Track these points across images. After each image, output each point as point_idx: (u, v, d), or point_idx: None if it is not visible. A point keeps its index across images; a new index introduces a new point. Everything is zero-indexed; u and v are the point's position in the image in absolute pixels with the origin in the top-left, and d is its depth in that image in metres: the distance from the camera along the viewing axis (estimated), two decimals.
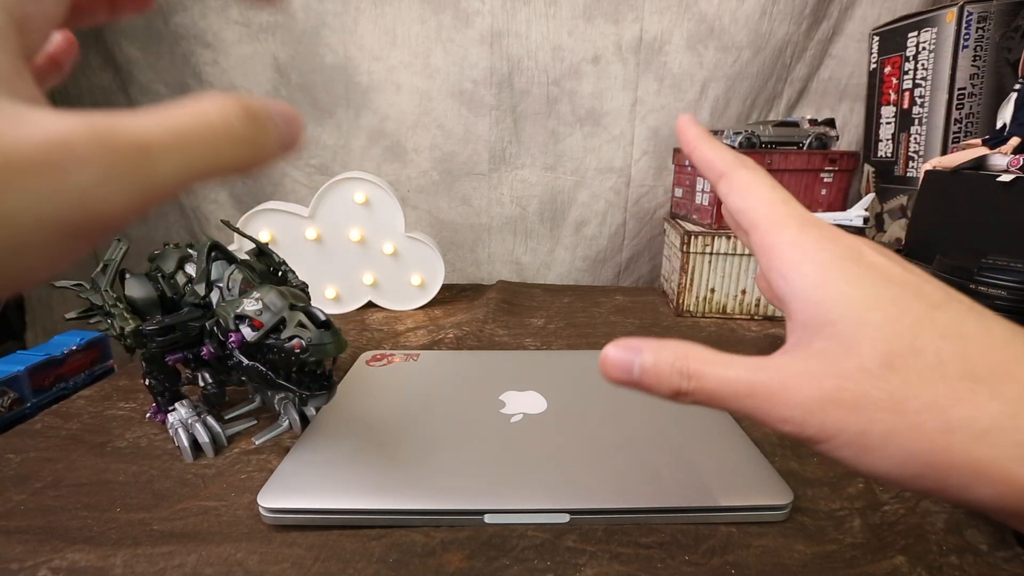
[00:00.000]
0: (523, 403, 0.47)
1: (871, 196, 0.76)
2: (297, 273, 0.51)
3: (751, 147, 0.74)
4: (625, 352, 0.20)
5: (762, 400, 0.18)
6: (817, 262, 0.19)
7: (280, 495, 0.35)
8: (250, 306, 0.40)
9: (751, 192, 0.21)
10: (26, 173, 0.11)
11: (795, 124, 0.76)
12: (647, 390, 0.19)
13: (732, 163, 0.22)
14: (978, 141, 0.61)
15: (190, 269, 0.45)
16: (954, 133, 0.70)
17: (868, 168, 0.84)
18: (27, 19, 0.15)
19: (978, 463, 0.16)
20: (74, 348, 0.56)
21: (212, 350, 0.42)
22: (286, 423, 0.46)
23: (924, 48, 0.71)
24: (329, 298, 0.76)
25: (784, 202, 0.20)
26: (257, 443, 0.44)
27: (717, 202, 0.74)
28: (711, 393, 0.19)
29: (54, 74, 0.21)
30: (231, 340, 0.40)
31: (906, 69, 0.75)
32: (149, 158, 0.13)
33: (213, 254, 0.45)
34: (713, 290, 0.75)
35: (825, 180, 0.76)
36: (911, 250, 0.64)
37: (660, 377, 0.19)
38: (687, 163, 0.82)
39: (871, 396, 0.17)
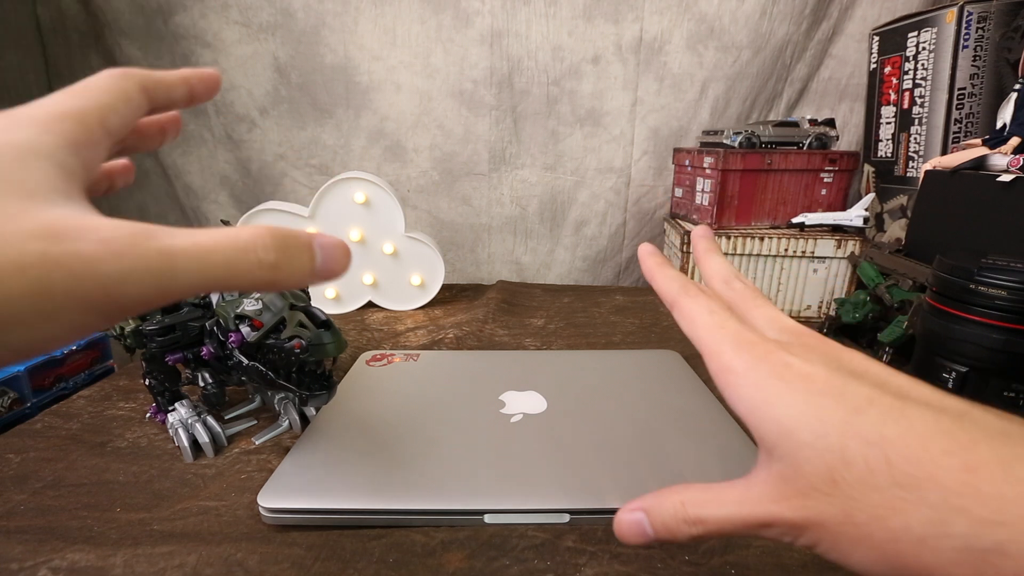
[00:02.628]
0: (523, 403, 0.47)
1: (871, 196, 0.76)
2: None
3: (751, 147, 0.74)
4: (631, 515, 0.22)
5: (756, 528, 0.20)
6: (749, 384, 0.21)
7: (280, 495, 0.35)
8: (250, 306, 0.40)
9: (693, 321, 0.23)
10: (72, 259, 0.14)
11: (795, 124, 0.76)
12: (669, 541, 0.22)
13: (677, 292, 0.24)
14: (978, 141, 0.61)
15: None
16: (954, 133, 0.70)
17: (868, 168, 0.84)
18: (90, 162, 0.18)
19: (929, 568, 0.17)
20: (74, 348, 0.56)
21: (212, 350, 0.42)
22: (286, 423, 0.46)
23: (924, 48, 0.71)
24: (329, 298, 0.76)
25: (720, 326, 0.22)
26: (257, 443, 0.44)
27: (717, 202, 0.74)
28: (718, 530, 0.21)
29: (105, 184, 0.25)
30: (231, 340, 0.40)
31: (906, 69, 0.75)
32: (172, 266, 0.15)
33: None
34: None
35: (825, 180, 0.76)
36: (911, 250, 0.64)
37: (672, 531, 0.21)
38: (687, 163, 0.82)
39: (829, 513, 0.18)
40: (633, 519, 0.22)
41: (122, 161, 0.25)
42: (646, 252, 0.27)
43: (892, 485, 0.17)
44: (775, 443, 0.20)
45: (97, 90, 0.19)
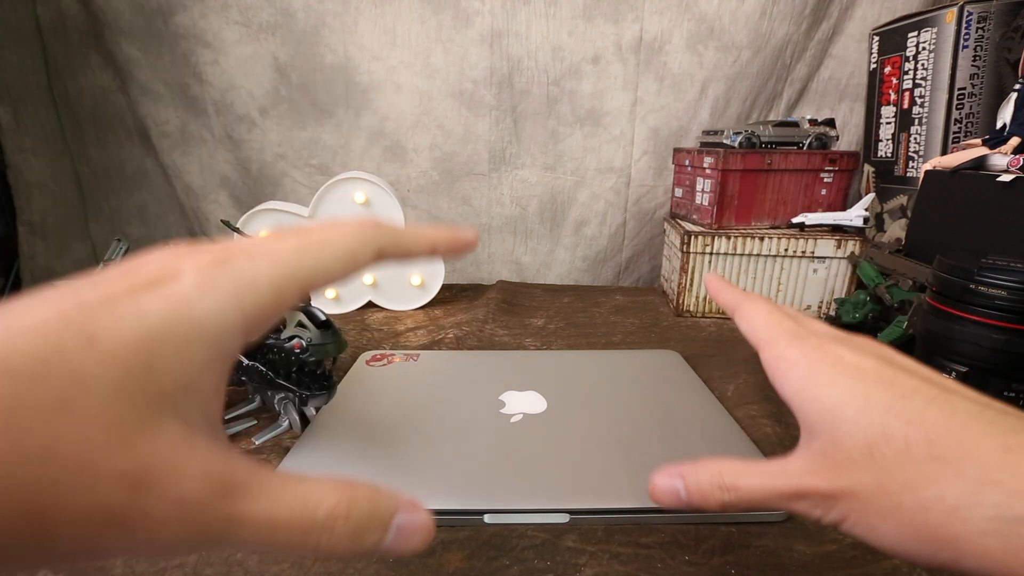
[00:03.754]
0: (523, 403, 0.47)
1: (871, 196, 0.76)
2: None
3: (751, 147, 0.74)
4: (670, 478, 0.23)
5: (789, 499, 0.21)
6: (801, 369, 0.22)
7: None
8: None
9: (753, 319, 0.26)
10: (144, 518, 0.13)
11: (795, 124, 0.76)
12: (698, 508, 0.23)
13: (741, 298, 0.27)
14: (978, 141, 0.61)
15: None
16: (954, 133, 0.70)
17: (868, 168, 0.84)
18: (267, 315, 0.16)
19: (956, 538, 0.17)
20: None
21: None
22: (286, 423, 0.46)
23: (924, 48, 0.71)
24: (329, 298, 0.76)
25: (779, 323, 0.25)
26: (257, 443, 0.44)
27: (717, 202, 0.74)
28: (750, 500, 0.22)
29: None
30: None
31: (906, 69, 0.75)
32: (232, 532, 0.14)
33: None
34: None
35: (825, 180, 0.76)
36: (911, 250, 0.64)
37: (705, 495, 0.22)
38: (687, 163, 0.82)
39: (863, 482, 0.19)
40: (669, 483, 0.23)
41: None
42: (712, 277, 0.30)
43: (929, 459, 0.18)
44: (818, 420, 0.21)
45: (324, 245, 0.18)
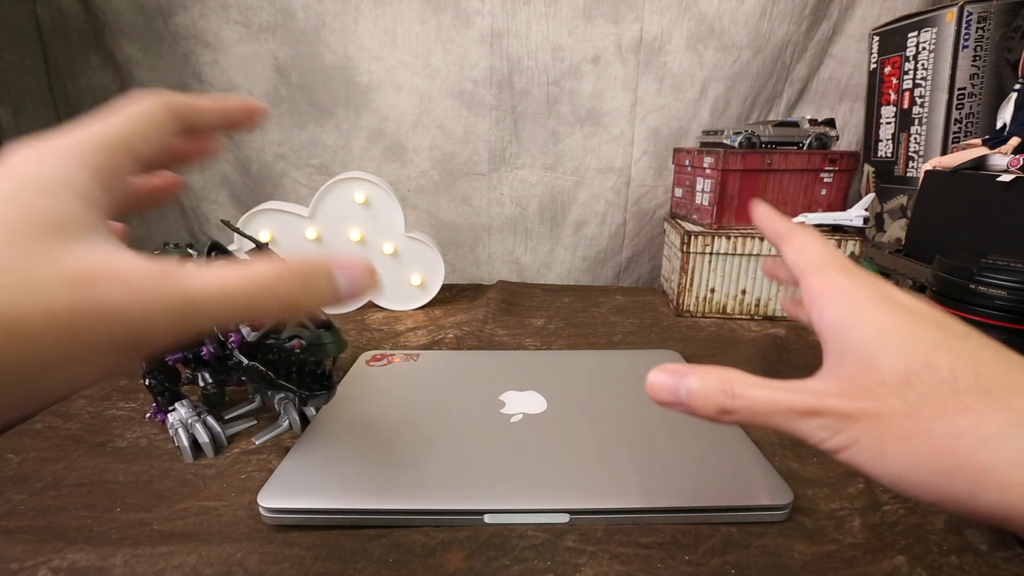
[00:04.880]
0: (523, 403, 0.47)
1: (871, 196, 0.76)
2: None
3: (751, 147, 0.74)
4: (671, 376, 0.22)
5: (798, 415, 0.20)
6: (849, 297, 0.22)
7: (280, 495, 0.35)
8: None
9: (805, 247, 0.25)
10: (99, 306, 0.15)
11: (795, 124, 0.76)
12: (693, 409, 0.21)
13: (791, 227, 0.26)
14: (978, 141, 0.61)
15: None
16: (954, 133, 0.70)
17: (868, 168, 0.84)
18: (117, 189, 0.19)
19: (983, 468, 0.17)
20: None
21: (212, 350, 0.42)
22: (286, 423, 0.46)
23: (924, 48, 0.71)
24: None
25: (831, 254, 0.24)
26: (257, 443, 0.44)
27: (717, 202, 0.74)
28: (754, 410, 0.20)
29: (139, 204, 0.26)
30: (231, 340, 0.40)
31: (906, 69, 0.75)
32: (195, 307, 0.16)
33: (213, 254, 0.45)
34: (713, 290, 0.75)
35: (825, 180, 0.76)
36: (911, 250, 0.64)
37: (707, 397, 0.21)
38: (687, 163, 0.82)
39: (890, 406, 0.19)
40: (670, 378, 0.22)
41: (164, 177, 0.25)
42: (759, 203, 0.28)
43: (974, 391, 0.18)
44: (855, 345, 0.20)
45: (126, 116, 0.20)
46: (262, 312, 0.17)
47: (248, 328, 0.42)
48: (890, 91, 0.78)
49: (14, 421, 0.44)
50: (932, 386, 0.18)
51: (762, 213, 0.28)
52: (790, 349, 0.64)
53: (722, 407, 0.21)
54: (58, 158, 0.18)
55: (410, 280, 0.77)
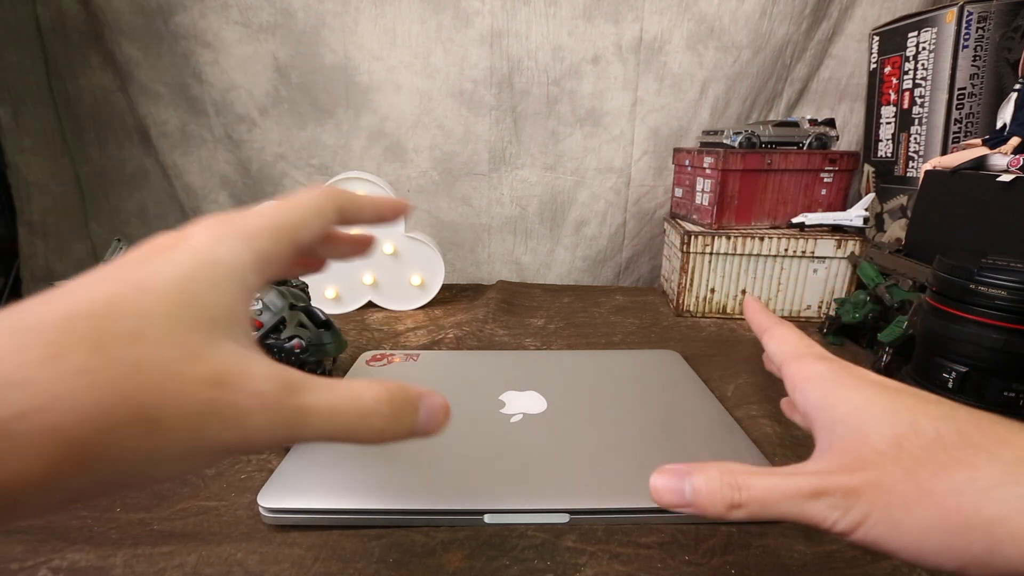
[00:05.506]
0: (523, 403, 0.47)
1: (871, 196, 0.76)
2: None
3: (751, 147, 0.74)
4: (674, 477, 0.22)
5: (806, 497, 0.20)
6: (827, 379, 0.23)
7: (280, 495, 0.35)
8: (250, 306, 0.40)
9: (784, 339, 0.27)
10: (228, 411, 0.16)
11: (795, 124, 0.76)
12: (702, 509, 0.21)
13: (774, 322, 0.29)
14: (978, 141, 0.61)
15: None
16: (954, 133, 0.70)
17: (868, 168, 0.84)
18: (272, 275, 0.21)
19: (991, 521, 0.17)
20: None
21: None
22: None
23: (924, 48, 0.71)
24: (329, 298, 0.76)
25: (808, 346, 0.26)
26: None
27: (717, 202, 0.74)
28: (762, 500, 0.21)
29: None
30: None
31: (906, 69, 0.75)
32: (305, 421, 0.17)
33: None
34: (713, 290, 0.75)
35: (825, 180, 0.76)
36: (911, 250, 0.64)
37: (713, 493, 0.21)
38: (687, 163, 0.82)
39: (889, 472, 0.19)
40: (673, 480, 0.22)
41: (365, 236, 0.27)
42: (752, 298, 0.32)
43: (962, 446, 0.19)
44: (842, 419, 0.21)
45: (298, 206, 0.22)
46: (357, 437, 0.18)
47: None
48: (890, 91, 0.78)
49: None
50: (922, 447, 0.19)
51: (750, 307, 0.31)
52: None
53: (730, 502, 0.21)
54: (233, 240, 0.19)
55: (410, 280, 0.77)
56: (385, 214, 0.26)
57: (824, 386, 0.23)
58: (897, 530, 0.18)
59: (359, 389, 0.18)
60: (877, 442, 0.20)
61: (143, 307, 0.16)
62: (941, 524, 0.18)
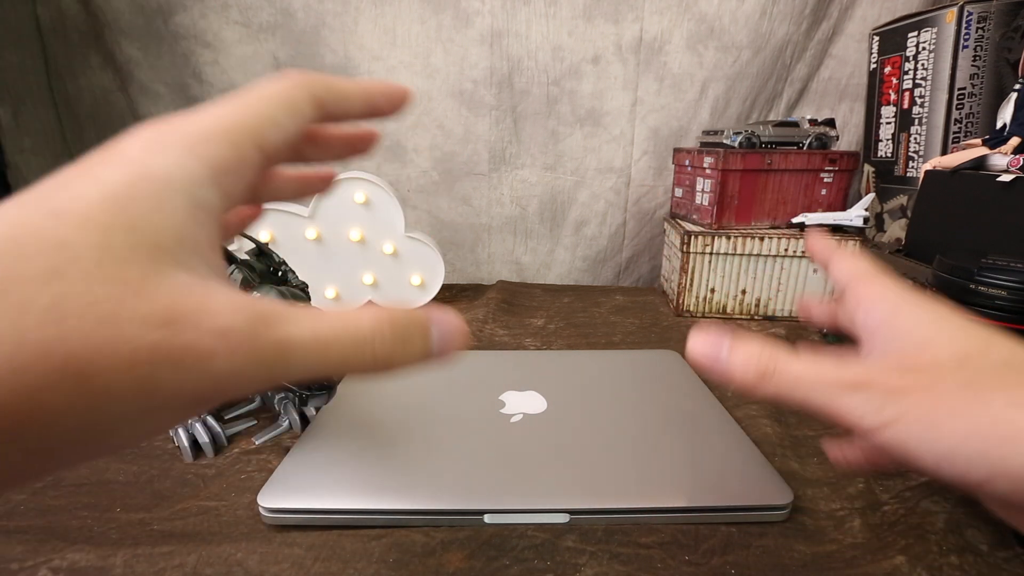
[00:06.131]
0: (523, 403, 0.47)
1: (871, 196, 0.76)
2: (297, 273, 0.51)
3: (751, 147, 0.74)
4: (714, 336, 0.21)
5: (845, 387, 0.19)
6: (900, 297, 0.23)
7: (280, 495, 0.35)
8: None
9: (854, 261, 0.26)
10: (184, 354, 0.13)
11: (795, 124, 0.76)
12: (733, 370, 0.20)
13: (840, 248, 0.27)
14: (978, 141, 0.61)
15: None
16: (954, 133, 0.70)
17: (868, 168, 0.84)
18: (233, 188, 0.17)
19: None
20: None
21: None
22: (286, 423, 0.46)
23: (924, 48, 0.71)
24: (329, 298, 0.76)
25: (880, 270, 0.25)
26: (257, 443, 0.44)
27: (717, 202, 0.74)
28: (796, 377, 0.20)
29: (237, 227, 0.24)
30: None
31: (906, 69, 0.75)
32: (285, 358, 0.14)
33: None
34: (713, 290, 0.75)
35: (825, 180, 0.76)
36: (911, 250, 0.64)
37: (749, 357, 0.20)
38: (687, 163, 0.82)
39: (945, 380, 0.18)
40: (712, 340, 0.21)
41: (322, 171, 0.23)
42: (813, 229, 0.29)
43: None
44: (909, 332, 0.21)
45: (260, 100, 0.18)
46: (355, 368, 0.16)
47: None
48: (890, 91, 0.78)
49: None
50: (989, 366, 0.18)
51: (812, 237, 0.29)
52: None
53: (764, 370, 0.20)
54: (174, 148, 0.15)
55: (410, 280, 0.77)
56: (378, 102, 0.22)
57: (896, 303, 0.22)
58: (931, 433, 0.18)
59: (354, 315, 0.16)
60: (940, 353, 0.19)
61: (60, 238, 0.12)
62: (988, 432, 0.17)
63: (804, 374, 0.20)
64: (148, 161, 0.15)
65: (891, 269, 0.25)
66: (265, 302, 0.15)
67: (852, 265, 0.26)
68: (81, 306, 0.12)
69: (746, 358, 0.20)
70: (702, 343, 0.21)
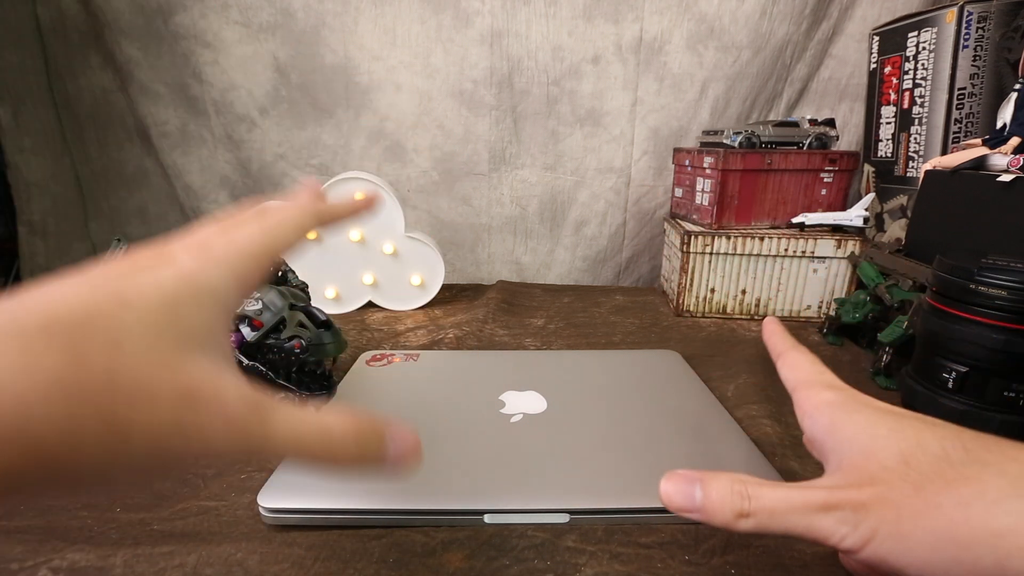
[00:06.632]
0: (523, 403, 0.47)
1: (871, 196, 0.76)
2: (297, 273, 0.51)
3: (751, 147, 0.74)
4: (684, 482, 0.22)
5: (817, 511, 0.20)
6: (836, 405, 0.24)
7: (280, 495, 0.35)
8: (250, 306, 0.40)
9: (797, 366, 0.28)
10: (193, 431, 0.16)
11: (795, 124, 0.76)
12: (710, 515, 0.21)
13: (790, 346, 0.29)
14: (978, 141, 0.61)
15: None
16: (954, 133, 0.70)
17: (868, 168, 0.84)
18: (253, 277, 0.21)
19: (999, 533, 0.17)
20: None
21: None
22: None
23: (924, 48, 0.71)
24: (329, 298, 0.76)
25: (819, 373, 0.27)
26: None
27: (717, 202, 0.74)
28: (771, 510, 0.21)
29: None
30: (231, 340, 0.40)
31: (906, 69, 0.75)
32: (267, 445, 0.18)
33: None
34: (713, 290, 0.75)
35: (825, 180, 0.76)
36: (911, 250, 0.64)
37: (723, 500, 0.21)
38: (687, 163, 0.82)
39: (897, 487, 0.19)
40: (683, 485, 0.22)
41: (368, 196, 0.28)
42: (771, 321, 0.32)
43: (968, 463, 0.19)
44: (850, 439, 0.22)
45: (278, 225, 0.22)
46: (319, 464, 0.19)
47: (248, 328, 0.42)
48: (890, 91, 0.78)
49: None
50: (929, 463, 0.19)
51: (768, 329, 0.31)
52: None
53: (739, 510, 0.21)
54: (215, 264, 0.19)
55: (410, 280, 0.77)
56: (360, 209, 0.27)
57: (832, 412, 0.24)
58: (906, 544, 0.19)
59: (329, 423, 0.19)
60: (885, 459, 0.20)
61: (124, 322, 0.16)
62: (950, 538, 0.18)
63: (778, 504, 0.21)
64: (195, 273, 0.19)
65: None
66: (263, 396, 0.18)
67: (796, 371, 0.27)
68: (130, 377, 0.15)
69: (719, 500, 0.21)
70: (674, 490, 0.22)
